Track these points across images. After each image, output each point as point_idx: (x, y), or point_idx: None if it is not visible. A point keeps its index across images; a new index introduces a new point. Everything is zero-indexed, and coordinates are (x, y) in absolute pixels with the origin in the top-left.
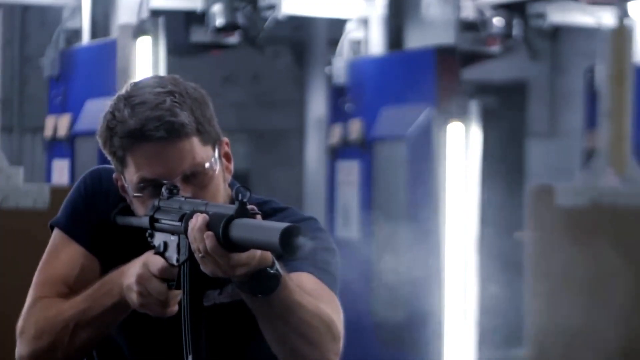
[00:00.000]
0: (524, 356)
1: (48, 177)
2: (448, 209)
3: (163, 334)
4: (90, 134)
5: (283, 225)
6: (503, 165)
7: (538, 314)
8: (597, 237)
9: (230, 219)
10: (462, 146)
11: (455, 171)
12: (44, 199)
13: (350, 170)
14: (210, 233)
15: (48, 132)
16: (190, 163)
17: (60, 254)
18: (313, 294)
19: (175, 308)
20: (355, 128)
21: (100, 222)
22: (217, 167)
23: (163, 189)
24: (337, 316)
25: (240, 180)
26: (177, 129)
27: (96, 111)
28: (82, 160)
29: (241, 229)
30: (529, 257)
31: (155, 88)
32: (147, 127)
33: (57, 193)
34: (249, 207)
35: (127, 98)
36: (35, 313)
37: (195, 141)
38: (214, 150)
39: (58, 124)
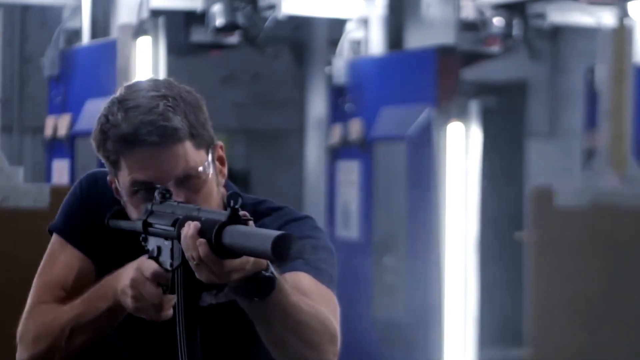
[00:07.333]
0: (524, 356)
1: (48, 177)
2: (448, 209)
3: (158, 337)
4: (90, 134)
5: (275, 233)
6: (503, 165)
7: (538, 314)
8: (597, 237)
9: (222, 226)
10: (462, 146)
11: (455, 171)
12: (44, 199)
13: (350, 170)
14: (202, 240)
15: (48, 132)
16: (183, 167)
17: (58, 258)
18: (310, 294)
19: (170, 312)
20: (355, 128)
21: (96, 225)
22: (211, 171)
23: (155, 193)
24: (334, 316)
25: (240, 180)
26: (170, 133)
27: (96, 111)
28: (82, 160)
29: (234, 236)
30: (529, 257)
31: (149, 92)
32: (140, 131)
33: (57, 193)
34: (241, 213)
35: (121, 101)
36: (33, 318)
37: (189, 145)
38: (207, 154)
39: (58, 124)
